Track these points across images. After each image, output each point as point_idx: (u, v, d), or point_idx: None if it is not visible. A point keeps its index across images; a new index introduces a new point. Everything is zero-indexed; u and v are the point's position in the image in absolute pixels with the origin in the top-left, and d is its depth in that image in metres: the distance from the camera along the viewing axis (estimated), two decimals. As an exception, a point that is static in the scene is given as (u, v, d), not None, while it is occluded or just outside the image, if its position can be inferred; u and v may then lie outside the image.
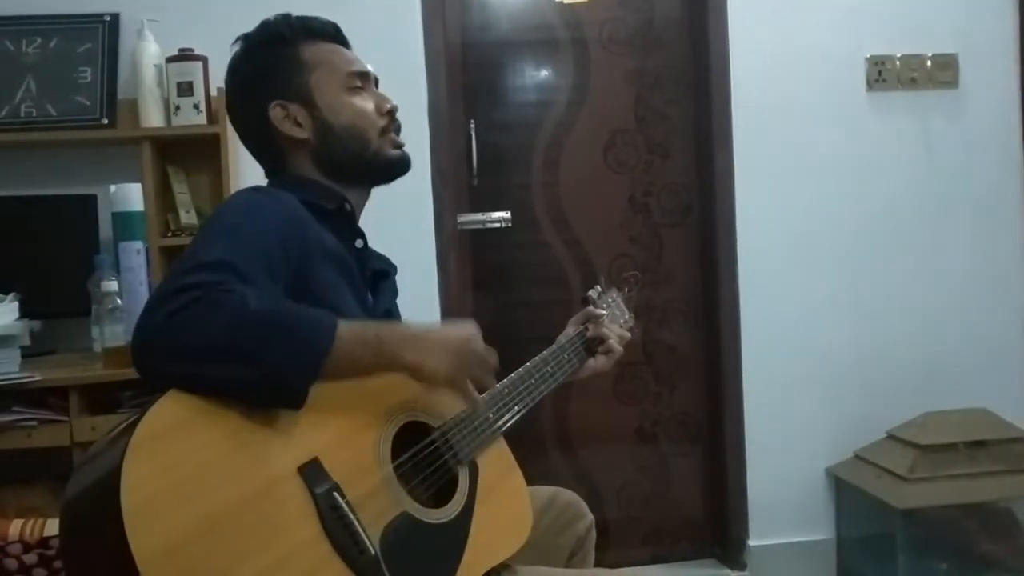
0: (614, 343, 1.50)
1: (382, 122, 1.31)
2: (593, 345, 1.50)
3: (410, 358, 1.07)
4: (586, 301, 1.55)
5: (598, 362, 1.50)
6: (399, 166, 1.33)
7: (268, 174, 1.35)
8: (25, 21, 2.27)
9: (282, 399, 0.97)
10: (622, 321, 1.60)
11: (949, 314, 2.65)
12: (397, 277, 1.43)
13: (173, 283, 0.97)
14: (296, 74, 1.28)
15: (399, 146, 1.33)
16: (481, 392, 1.20)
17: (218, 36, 2.31)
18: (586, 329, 1.51)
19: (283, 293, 1.08)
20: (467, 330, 1.15)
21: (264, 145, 1.31)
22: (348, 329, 1.03)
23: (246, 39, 1.32)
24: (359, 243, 1.30)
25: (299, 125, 1.27)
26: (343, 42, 1.35)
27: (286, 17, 1.31)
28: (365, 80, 1.33)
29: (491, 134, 2.64)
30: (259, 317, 0.96)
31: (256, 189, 1.21)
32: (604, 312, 1.54)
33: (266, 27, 1.31)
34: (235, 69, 1.32)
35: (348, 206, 1.29)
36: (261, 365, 0.94)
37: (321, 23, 1.33)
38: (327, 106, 1.28)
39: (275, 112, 1.27)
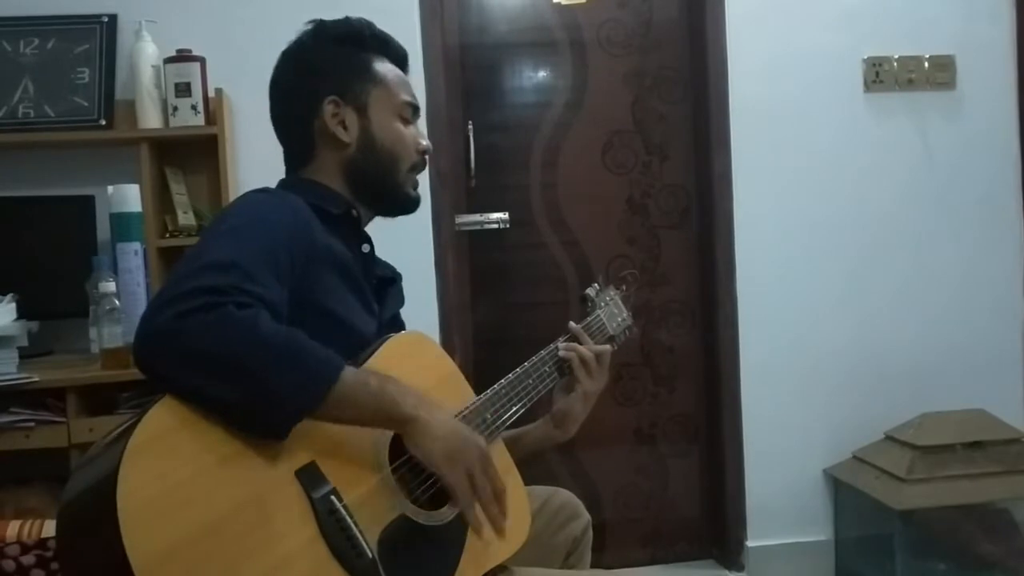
0: (582, 376, 1.37)
1: (415, 158, 1.33)
2: (565, 368, 1.40)
3: (410, 411, 1.06)
4: (584, 299, 1.54)
5: (569, 403, 1.38)
6: (409, 205, 1.35)
7: (288, 165, 1.34)
8: (23, 22, 2.27)
9: (269, 430, 0.96)
10: (620, 320, 1.60)
11: (947, 315, 2.65)
12: (396, 280, 1.43)
13: (184, 283, 0.96)
14: (361, 81, 1.29)
15: (416, 187, 1.35)
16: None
17: (216, 37, 2.35)
18: (557, 349, 1.40)
19: (288, 297, 1.07)
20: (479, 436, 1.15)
21: (300, 134, 1.30)
22: (352, 374, 1.02)
23: (323, 26, 1.31)
24: (365, 248, 1.30)
25: (345, 128, 1.28)
26: (406, 71, 1.37)
27: (369, 25, 1.33)
28: (414, 114, 1.35)
29: (489, 135, 2.63)
30: (267, 343, 0.95)
31: (263, 191, 1.21)
32: (588, 340, 1.43)
33: (349, 25, 1.32)
34: (302, 52, 1.31)
35: (355, 212, 1.29)
36: (256, 392, 0.94)
37: (397, 46, 1.36)
38: (377, 122, 1.29)
39: (329, 107, 1.27)
